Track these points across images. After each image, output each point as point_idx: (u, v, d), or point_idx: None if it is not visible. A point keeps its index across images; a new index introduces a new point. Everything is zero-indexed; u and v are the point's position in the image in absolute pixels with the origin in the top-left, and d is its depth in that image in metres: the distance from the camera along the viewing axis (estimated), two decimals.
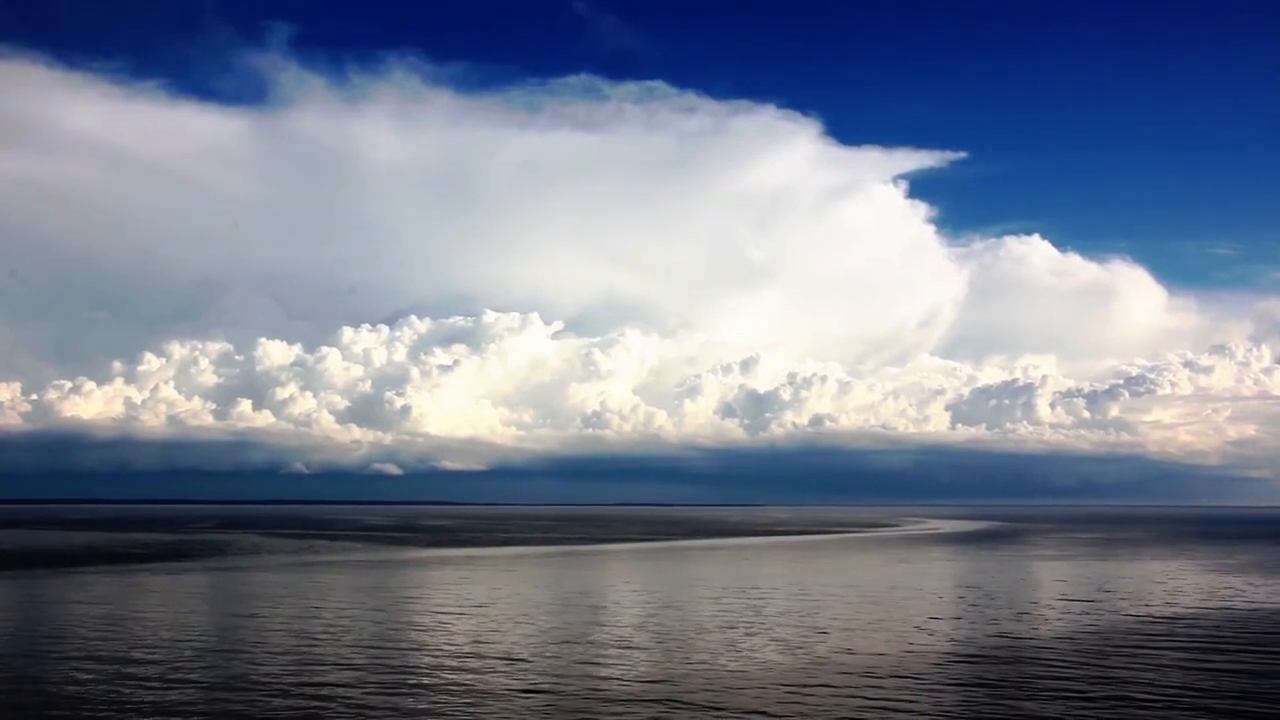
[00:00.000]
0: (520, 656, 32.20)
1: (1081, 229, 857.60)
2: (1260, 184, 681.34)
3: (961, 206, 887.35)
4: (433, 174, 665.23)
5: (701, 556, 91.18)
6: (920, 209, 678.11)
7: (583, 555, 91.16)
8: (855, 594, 52.07)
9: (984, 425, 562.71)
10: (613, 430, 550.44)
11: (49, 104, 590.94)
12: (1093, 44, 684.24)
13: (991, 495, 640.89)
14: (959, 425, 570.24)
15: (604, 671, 29.69)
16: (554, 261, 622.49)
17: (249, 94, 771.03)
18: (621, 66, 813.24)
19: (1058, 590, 54.85)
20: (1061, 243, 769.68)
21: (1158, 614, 43.67)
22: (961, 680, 28.43)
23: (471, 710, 24.77)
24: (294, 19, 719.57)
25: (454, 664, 30.88)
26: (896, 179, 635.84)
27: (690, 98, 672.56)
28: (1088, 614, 43.55)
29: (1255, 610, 45.60)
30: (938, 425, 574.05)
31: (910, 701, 25.75)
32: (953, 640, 35.98)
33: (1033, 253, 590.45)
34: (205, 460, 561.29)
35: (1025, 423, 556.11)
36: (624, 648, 34.00)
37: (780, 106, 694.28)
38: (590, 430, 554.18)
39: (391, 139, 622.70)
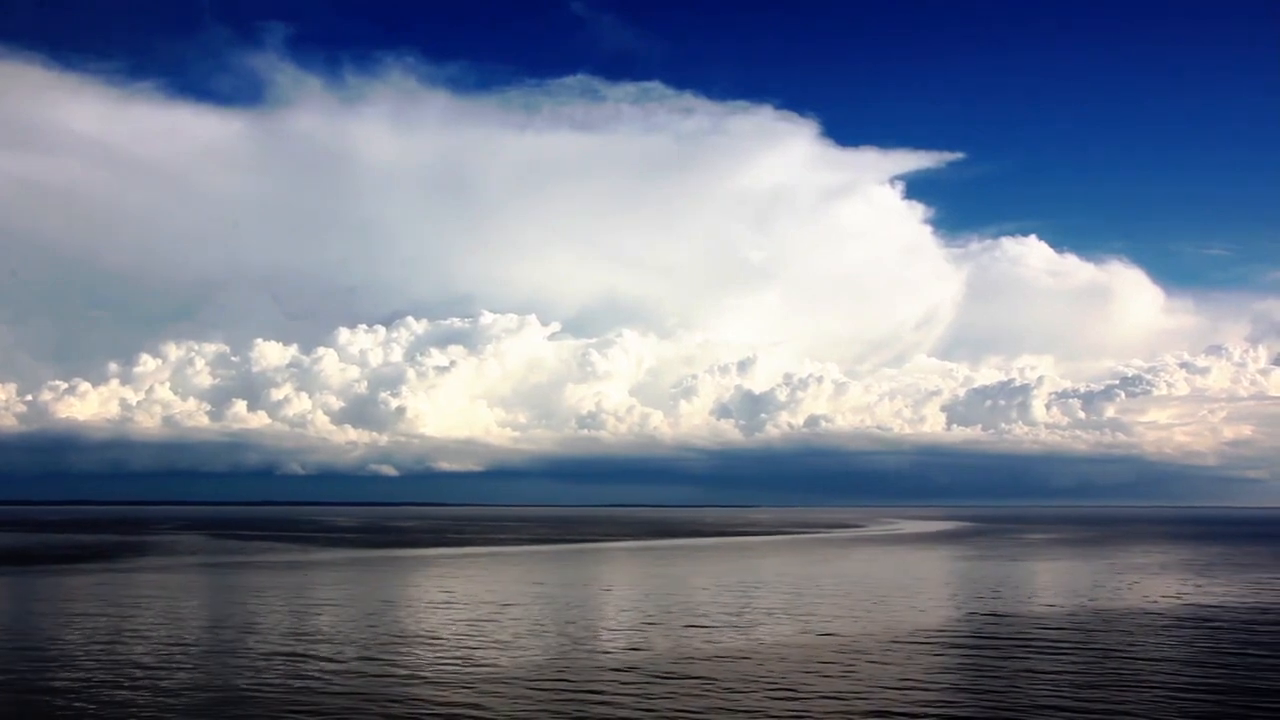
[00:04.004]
0: (303, 652, 32.22)
1: (1078, 229, 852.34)
2: (1257, 185, 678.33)
3: (958, 207, 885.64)
4: (430, 175, 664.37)
5: (627, 557, 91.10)
6: (917, 209, 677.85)
7: (513, 556, 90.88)
8: (716, 593, 51.98)
9: (979, 426, 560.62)
10: (608, 431, 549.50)
11: (46, 104, 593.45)
12: (1089, 45, 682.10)
13: (988, 496, 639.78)
14: (954, 426, 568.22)
15: (351, 668, 29.72)
16: (552, 262, 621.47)
17: (246, 94, 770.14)
18: (619, 67, 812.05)
19: (932, 588, 54.68)
20: (1058, 243, 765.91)
21: (993, 612, 43.60)
22: (677, 676, 28.48)
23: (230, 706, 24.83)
24: (291, 19, 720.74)
25: (237, 660, 30.90)
26: (894, 180, 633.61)
27: (688, 98, 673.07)
28: (925, 612, 43.50)
29: (1087, 610, 45.40)
30: (933, 426, 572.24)
31: (616, 699, 25.74)
32: (749, 637, 35.92)
33: (1030, 253, 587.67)
34: (201, 461, 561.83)
35: (1021, 423, 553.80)
36: (396, 645, 34.04)
37: (778, 107, 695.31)
38: (586, 431, 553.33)
39: (388, 139, 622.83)
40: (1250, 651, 33.65)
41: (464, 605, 46.74)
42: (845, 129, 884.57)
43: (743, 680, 28.35)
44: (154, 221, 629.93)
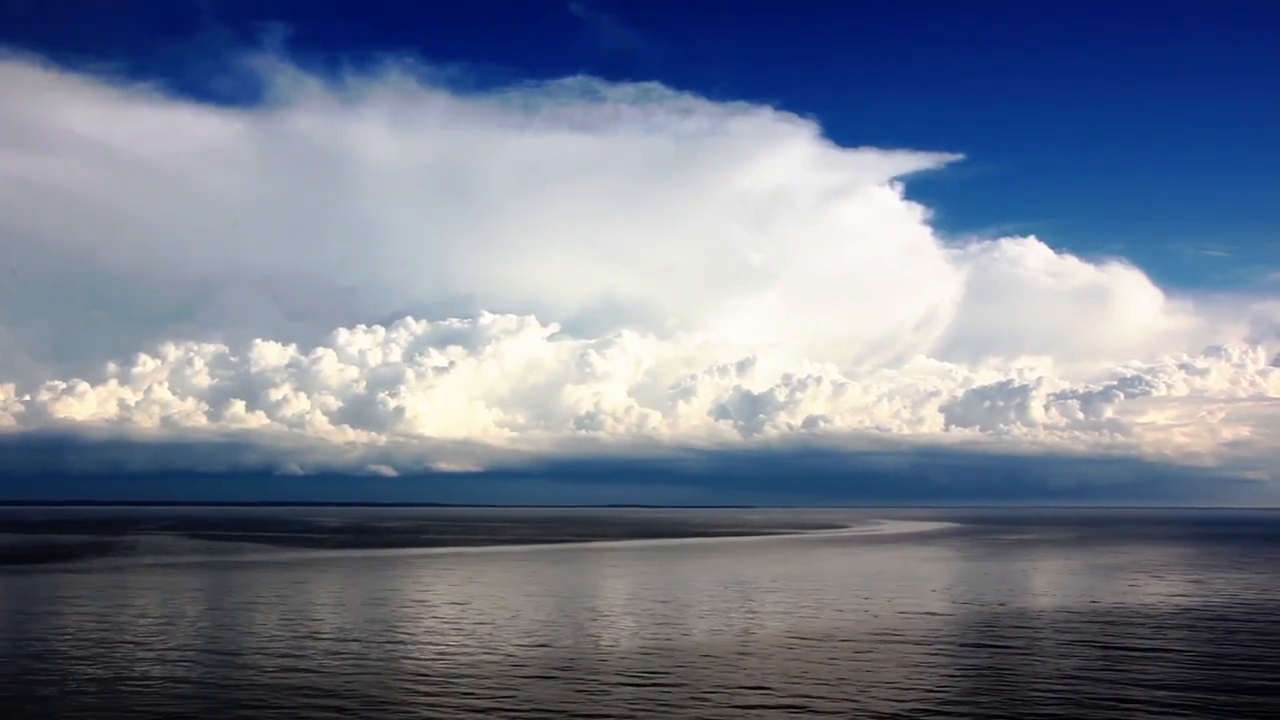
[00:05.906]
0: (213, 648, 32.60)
1: (1078, 230, 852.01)
2: (1256, 186, 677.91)
3: (958, 208, 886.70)
4: (430, 175, 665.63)
5: (593, 558, 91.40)
6: (917, 210, 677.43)
7: (479, 557, 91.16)
8: (657, 593, 52.30)
9: (978, 427, 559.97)
10: (607, 432, 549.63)
11: (46, 105, 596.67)
12: (1089, 45, 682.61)
13: (987, 497, 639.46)
14: (953, 427, 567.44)
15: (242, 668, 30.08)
16: (551, 263, 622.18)
17: (245, 95, 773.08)
18: (618, 68, 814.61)
19: (869, 588, 54.93)
20: (1058, 244, 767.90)
21: (916, 611, 43.89)
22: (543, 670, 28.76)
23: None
24: (290, 20, 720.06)
25: (117, 655, 31.30)
26: (893, 180, 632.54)
27: (687, 99, 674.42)
28: (845, 612, 43.80)
29: (1007, 609, 45.66)
30: (932, 427, 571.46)
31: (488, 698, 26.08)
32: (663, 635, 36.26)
33: (1029, 254, 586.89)
34: (199, 462, 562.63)
35: (1019, 424, 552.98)
36: (298, 646, 34.40)
37: (777, 108, 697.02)
38: (584, 432, 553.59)
39: (388, 140, 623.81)
40: (1142, 648, 33.87)
41: (390, 605, 47.09)
42: (845, 130, 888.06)
43: (620, 675, 28.64)
44: (154, 221, 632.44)
